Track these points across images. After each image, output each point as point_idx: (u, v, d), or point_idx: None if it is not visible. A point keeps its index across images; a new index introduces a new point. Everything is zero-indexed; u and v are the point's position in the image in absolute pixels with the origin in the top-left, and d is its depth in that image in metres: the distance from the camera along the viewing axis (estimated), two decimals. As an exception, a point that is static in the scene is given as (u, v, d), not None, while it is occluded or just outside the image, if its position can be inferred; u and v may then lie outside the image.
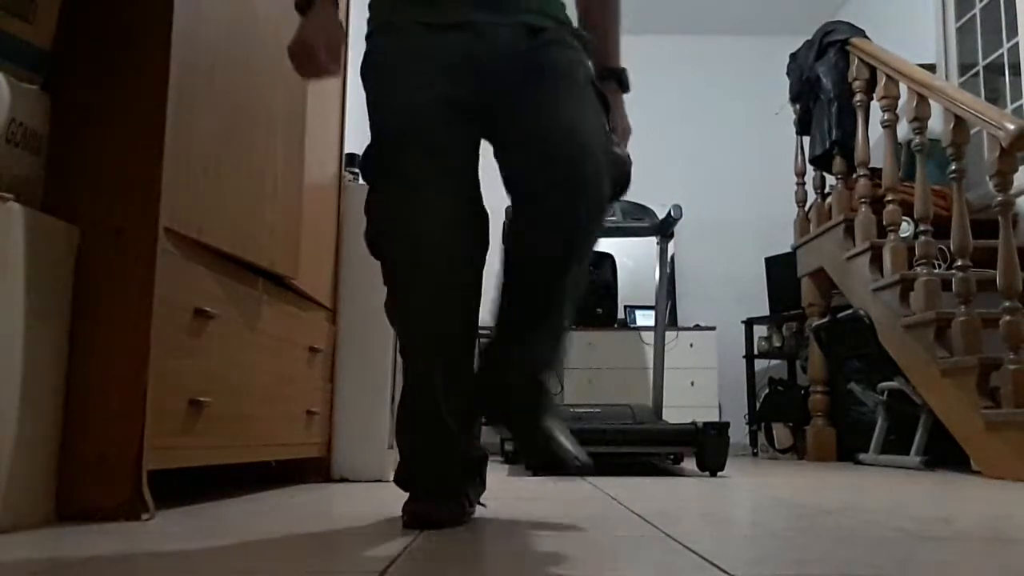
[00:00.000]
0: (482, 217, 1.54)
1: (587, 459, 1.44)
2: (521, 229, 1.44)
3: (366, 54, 1.54)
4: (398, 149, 1.45)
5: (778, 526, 1.54)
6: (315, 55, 1.43)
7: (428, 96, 1.46)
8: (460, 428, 1.54)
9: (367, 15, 1.57)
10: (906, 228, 4.04)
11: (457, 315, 1.52)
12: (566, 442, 1.43)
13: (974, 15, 4.73)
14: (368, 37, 1.55)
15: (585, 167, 1.36)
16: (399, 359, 2.69)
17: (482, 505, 1.63)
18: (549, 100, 1.41)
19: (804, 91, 4.81)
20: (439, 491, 1.50)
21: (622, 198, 1.55)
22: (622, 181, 1.49)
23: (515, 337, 1.49)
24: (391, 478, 2.54)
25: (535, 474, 2.92)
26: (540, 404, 1.48)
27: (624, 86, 1.63)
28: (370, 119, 1.50)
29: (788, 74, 5.02)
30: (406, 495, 1.52)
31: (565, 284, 1.43)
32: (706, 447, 3.10)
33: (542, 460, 1.48)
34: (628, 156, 1.54)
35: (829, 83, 4.53)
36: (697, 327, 5.59)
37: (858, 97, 4.29)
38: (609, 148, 1.44)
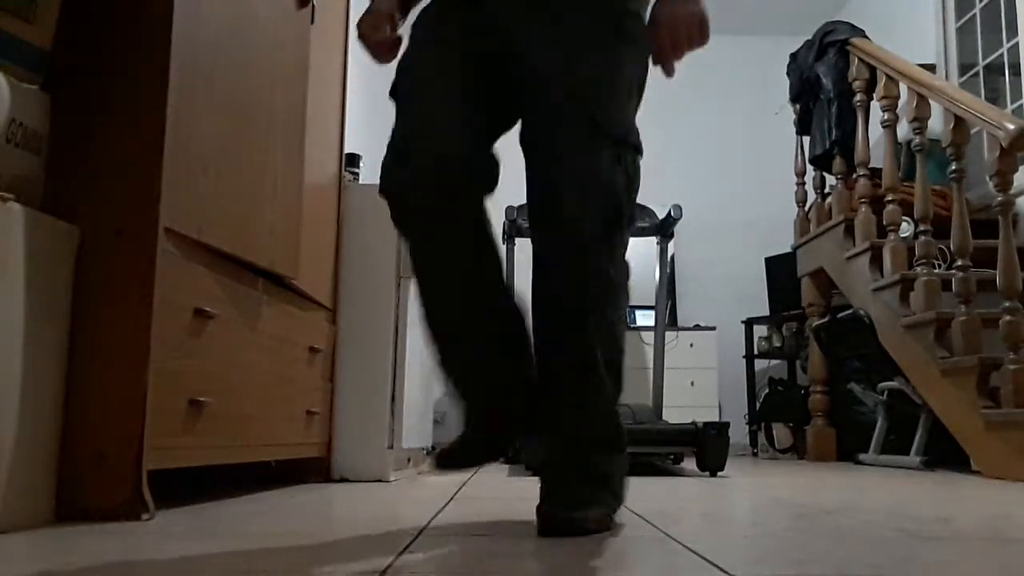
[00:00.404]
0: (488, 154, 1.49)
1: (608, 525, 1.38)
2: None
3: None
4: (412, 81, 1.49)
5: (778, 526, 1.54)
6: (379, 27, 1.51)
7: (428, 47, 1.50)
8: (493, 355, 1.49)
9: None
10: (906, 228, 4.04)
11: (459, 224, 1.46)
12: (593, 512, 1.36)
13: (974, 15, 4.73)
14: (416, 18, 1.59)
15: (565, 211, 1.37)
16: (397, 360, 2.70)
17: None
18: (538, 136, 1.42)
19: (804, 91, 4.81)
20: (478, 422, 1.48)
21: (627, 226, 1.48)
22: (611, 211, 1.41)
23: (552, 412, 1.45)
24: (390, 478, 2.55)
25: (535, 474, 2.92)
26: (580, 478, 1.40)
27: None
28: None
29: (788, 74, 5.02)
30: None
31: (589, 338, 1.40)
32: (706, 447, 3.10)
33: (552, 524, 1.36)
34: (623, 181, 1.43)
35: (829, 83, 4.53)
36: (697, 327, 5.59)
37: (858, 97, 4.29)
38: (602, 181, 1.39)
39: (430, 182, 1.42)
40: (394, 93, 1.51)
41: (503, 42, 1.46)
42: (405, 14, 1.60)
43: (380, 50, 1.55)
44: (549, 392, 1.46)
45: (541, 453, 1.50)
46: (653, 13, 1.44)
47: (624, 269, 1.49)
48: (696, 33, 1.39)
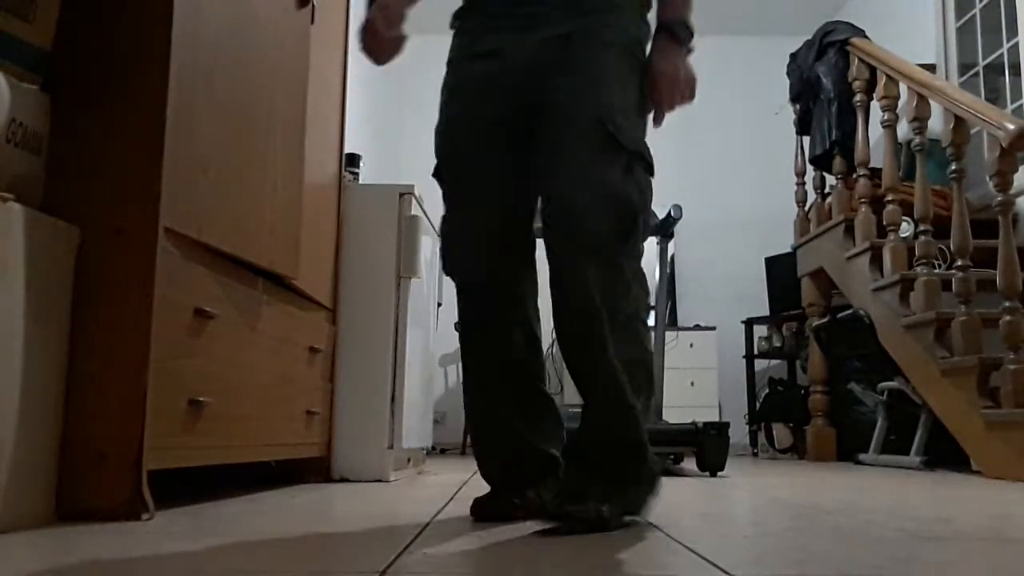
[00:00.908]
0: (524, 236, 1.65)
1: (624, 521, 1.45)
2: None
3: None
4: (442, 168, 1.64)
5: (778, 526, 1.54)
6: (376, 29, 1.59)
7: (462, 122, 1.62)
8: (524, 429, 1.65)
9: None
10: (906, 228, 4.04)
11: (501, 337, 1.63)
12: (605, 508, 1.40)
13: (974, 15, 4.73)
14: (447, 63, 1.71)
15: (586, 225, 1.44)
16: (397, 360, 2.70)
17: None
18: (557, 151, 1.50)
19: (804, 91, 4.81)
20: (500, 484, 1.64)
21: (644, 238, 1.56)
22: (629, 221, 1.47)
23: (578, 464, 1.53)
24: (390, 478, 2.55)
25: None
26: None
27: (678, 39, 1.59)
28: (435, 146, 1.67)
29: (788, 74, 5.02)
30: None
31: (611, 342, 1.45)
32: (706, 447, 3.10)
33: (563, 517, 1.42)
34: (637, 195, 1.49)
35: (829, 83, 4.53)
36: (697, 327, 5.59)
37: (858, 97, 4.29)
38: (619, 191, 1.46)
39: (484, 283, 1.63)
40: (444, 168, 1.64)
41: (532, 88, 1.55)
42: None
43: (385, 48, 1.62)
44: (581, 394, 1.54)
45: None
46: (654, 66, 1.58)
47: (643, 275, 1.55)
48: (689, 93, 1.58)
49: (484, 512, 1.59)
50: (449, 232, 1.65)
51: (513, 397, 1.65)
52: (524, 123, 1.56)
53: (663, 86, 1.56)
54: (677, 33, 1.59)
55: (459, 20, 1.69)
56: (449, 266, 1.66)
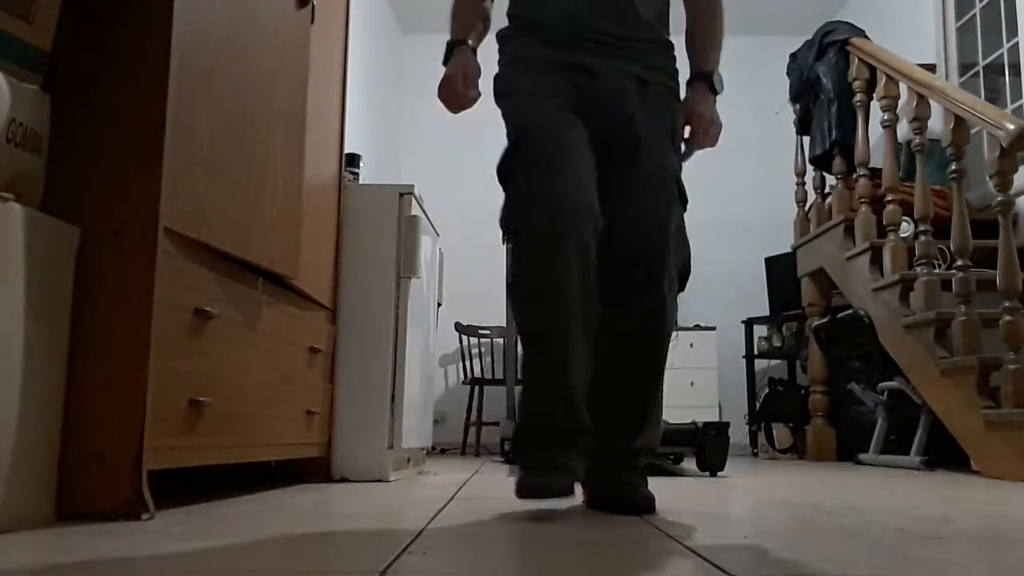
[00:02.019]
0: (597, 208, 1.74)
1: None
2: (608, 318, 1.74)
3: (500, 80, 1.84)
4: (539, 140, 1.71)
5: (778, 526, 1.54)
6: (455, 86, 1.75)
7: (557, 107, 1.75)
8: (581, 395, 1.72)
9: (496, 47, 1.90)
10: (906, 228, 4.04)
11: (586, 274, 1.68)
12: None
13: (974, 15, 4.73)
14: (502, 68, 1.86)
15: (663, 276, 1.75)
16: (397, 360, 2.70)
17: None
18: (642, 194, 1.77)
19: (804, 91, 4.81)
20: (555, 462, 1.65)
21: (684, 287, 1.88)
22: (684, 275, 1.87)
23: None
24: (390, 478, 2.55)
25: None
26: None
27: (712, 87, 1.89)
28: (510, 129, 1.77)
29: (788, 74, 5.02)
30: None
31: (658, 361, 1.80)
32: (706, 447, 3.10)
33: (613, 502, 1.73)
34: (688, 248, 1.87)
35: (829, 83, 4.53)
36: (697, 327, 5.59)
37: (858, 97, 4.29)
38: (679, 244, 1.80)
39: (578, 234, 1.67)
40: (529, 137, 1.73)
41: (611, 106, 1.78)
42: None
43: (463, 104, 1.78)
44: (614, 408, 1.78)
45: (597, 455, 1.77)
46: (693, 109, 1.86)
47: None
48: (716, 137, 1.89)
49: (550, 489, 1.58)
50: (546, 170, 1.67)
51: (583, 328, 1.68)
52: (599, 136, 1.76)
53: (698, 127, 1.86)
54: (714, 85, 1.88)
55: (526, 30, 1.85)
56: (557, 187, 1.65)
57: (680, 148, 1.89)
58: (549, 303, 1.65)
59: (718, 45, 1.94)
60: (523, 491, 1.59)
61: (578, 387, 1.67)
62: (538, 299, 1.68)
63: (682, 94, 1.91)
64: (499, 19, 1.92)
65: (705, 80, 1.89)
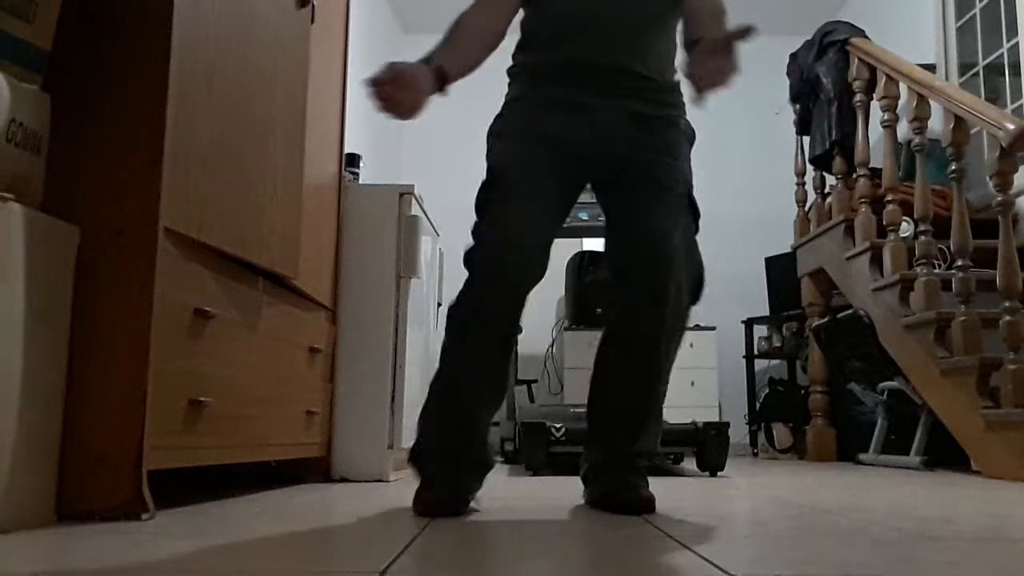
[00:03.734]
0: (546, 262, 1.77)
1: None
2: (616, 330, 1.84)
3: (496, 119, 1.85)
4: (513, 183, 1.72)
5: (778, 526, 1.54)
6: (401, 83, 1.59)
7: (535, 154, 1.75)
8: (484, 432, 1.80)
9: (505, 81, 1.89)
10: (906, 228, 4.04)
11: (517, 317, 1.74)
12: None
13: (974, 15, 4.73)
14: (502, 107, 1.87)
15: (668, 282, 1.73)
16: (397, 360, 2.70)
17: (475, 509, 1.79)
18: (642, 209, 1.76)
19: (804, 91, 4.81)
20: (453, 484, 1.71)
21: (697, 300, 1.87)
22: (698, 285, 1.84)
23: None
24: (390, 478, 2.55)
25: (535, 474, 2.92)
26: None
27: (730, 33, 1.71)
28: (489, 167, 1.78)
29: (788, 74, 5.02)
30: (410, 498, 1.64)
31: (662, 370, 1.83)
32: (706, 447, 3.10)
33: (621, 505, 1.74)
34: (699, 259, 1.84)
35: (829, 83, 4.53)
36: (697, 327, 5.58)
37: (858, 97, 4.28)
38: (689, 255, 1.77)
39: (518, 279, 1.71)
40: (498, 182, 1.74)
41: (612, 141, 1.78)
42: (441, 91, 1.70)
43: (403, 110, 1.61)
44: (622, 416, 1.83)
45: (598, 455, 1.85)
46: (707, 42, 1.73)
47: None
48: (731, 72, 1.77)
49: (437, 510, 1.65)
50: (506, 220, 1.69)
51: (499, 376, 1.78)
52: (588, 177, 1.82)
53: (722, 55, 1.73)
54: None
55: (528, 68, 1.84)
56: (511, 234, 1.67)
57: (691, 141, 1.92)
58: (471, 353, 1.75)
59: (722, 19, 1.89)
60: (422, 507, 1.66)
61: (482, 427, 1.78)
62: (468, 340, 1.75)
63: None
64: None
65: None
